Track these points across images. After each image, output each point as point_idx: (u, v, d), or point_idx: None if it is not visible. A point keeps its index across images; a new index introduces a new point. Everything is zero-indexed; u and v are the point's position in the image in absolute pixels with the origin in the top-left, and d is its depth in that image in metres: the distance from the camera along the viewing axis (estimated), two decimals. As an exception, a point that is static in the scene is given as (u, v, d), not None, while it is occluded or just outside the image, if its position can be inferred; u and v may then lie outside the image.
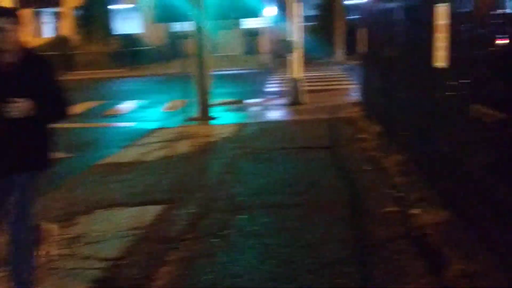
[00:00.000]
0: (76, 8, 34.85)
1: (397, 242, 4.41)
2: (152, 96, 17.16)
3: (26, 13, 34.11)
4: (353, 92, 14.09)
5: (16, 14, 3.44)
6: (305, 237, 4.66)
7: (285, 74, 14.21)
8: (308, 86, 14.32)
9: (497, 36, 4.15)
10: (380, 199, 5.48)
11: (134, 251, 4.62)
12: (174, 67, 19.17)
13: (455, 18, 4.63)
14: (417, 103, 6.02)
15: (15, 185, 3.45)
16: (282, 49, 16.29)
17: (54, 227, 4.33)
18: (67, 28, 35.70)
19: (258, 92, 16.77)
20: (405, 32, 6.68)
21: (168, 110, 14.03)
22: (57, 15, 37.20)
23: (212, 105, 11.96)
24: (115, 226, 5.24)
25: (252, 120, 11.63)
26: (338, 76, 20.71)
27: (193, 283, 3.98)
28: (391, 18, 7.62)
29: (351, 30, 28.32)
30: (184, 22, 11.28)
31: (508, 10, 6.18)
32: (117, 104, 15.83)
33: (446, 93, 4.87)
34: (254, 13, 36.51)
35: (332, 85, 17.47)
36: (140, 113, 14.03)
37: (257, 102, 14.62)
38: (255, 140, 9.20)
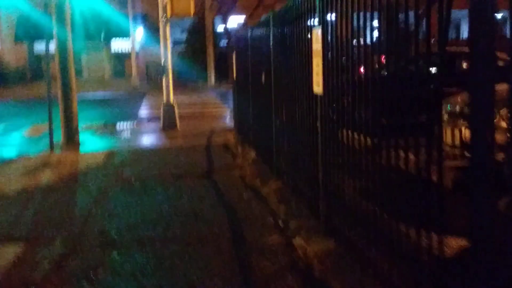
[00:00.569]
0: None
1: (283, 276, 4.21)
2: (13, 120, 15.78)
3: None
4: (226, 116, 14.03)
5: None
6: (186, 276, 4.28)
7: (157, 98, 13.78)
8: (182, 110, 14.00)
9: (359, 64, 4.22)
10: (262, 229, 5.26)
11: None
12: (37, 90, 17.93)
13: (327, 43, 4.63)
14: (291, 130, 6.00)
15: None
16: (153, 72, 15.91)
17: None
18: None
19: (129, 116, 16.10)
20: (276, 58, 6.67)
21: (30, 136, 12.90)
22: None
23: (79, 130, 11.16)
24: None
25: (124, 146, 11.01)
26: (211, 100, 20.67)
27: None
28: (261, 44, 7.65)
29: (221, 56, 28.68)
30: (48, 41, 10.43)
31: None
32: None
33: (319, 119, 4.86)
34: (123, 35, 35.77)
35: (206, 109, 17.34)
36: (-1, 139, 12.78)
37: (128, 127, 13.99)
38: (127, 167, 8.65)
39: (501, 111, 3.86)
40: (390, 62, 3.65)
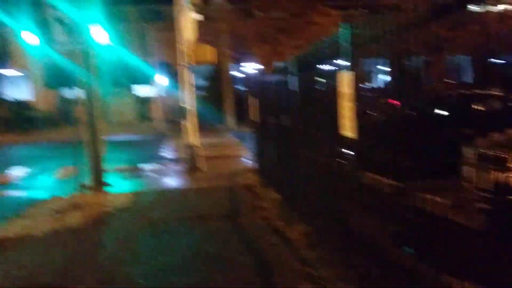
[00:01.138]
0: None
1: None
2: (43, 163, 15.67)
3: None
4: (247, 158, 13.78)
5: None
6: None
7: (180, 140, 13.61)
8: (204, 151, 13.79)
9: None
10: (293, 277, 4.85)
11: None
12: (66, 133, 17.92)
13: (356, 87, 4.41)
14: (315, 173, 5.71)
15: None
16: (175, 115, 15.84)
17: None
18: (-50, 93, 32.93)
19: (153, 158, 15.91)
20: (297, 102, 6.44)
21: (60, 178, 12.74)
22: None
23: (106, 171, 10.98)
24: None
25: (149, 188, 10.77)
26: (231, 142, 20.47)
27: None
28: (283, 89, 7.43)
29: (239, 100, 28.70)
30: (76, 88, 10.44)
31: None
32: (3, 171, 14.20)
33: (340, 161, 4.60)
34: (146, 80, 36.25)
35: (227, 150, 17.11)
36: (30, 181, 12.59)
37: (153, 169, 13.78)
38: (153, 210, 8.35)
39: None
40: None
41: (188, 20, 12.33)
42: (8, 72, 33.84)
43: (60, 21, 9.99)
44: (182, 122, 12.93)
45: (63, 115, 32.05)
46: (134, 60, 30.51)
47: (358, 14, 38.72)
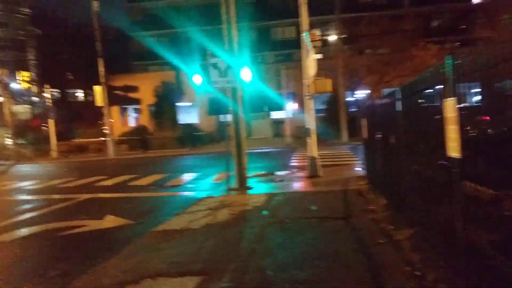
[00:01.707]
0: (151, 105, 35.68)
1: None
2: (204, 170, 16.38)
3: (116, 108, 34.90)
4: (358, 166, 12.99)
5: None
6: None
7: (305, 153, 13.29)
8: (322, 162, 13.31)
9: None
10: (399, 276, 4.22)
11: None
12: (221, 147, 18.58)
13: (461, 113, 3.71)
14: (419, 183, 4.98)
15: None
16: (301, 133, 15.62)
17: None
18: (145, 119, 36.43)
19: (283, 166, 15.80)
20: (404, 122, 5.74)
21: (215, 181, 13.13)
22: (138, 110, 38.23)
23: (248, 177, 11.07)
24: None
25: (280, 190, 10.54)
26: (345, 153, 19.65)
27: None
28: (389, 111, 6.74)
29: (352, 119, 27.76)
30: (228, 114, 10.86)
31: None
32: (177, 176, 15.07)
33: (443, 173, 3.88)
34: (279, 107, 36.97)
35: (341, 160, 16.41)
36: (194, 184, 13.13)
37: (283, 175, 13.61)
38: (281, 209, 8.06)
39: None
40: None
41: (311, 59, 12.04)
42: (182, 103, 36.75)
43: (216, 66, 10.34)
44: (306, 139, 12.63)
45: (219, 134, 33.72)
46: (270, 92, 31.37)
47: (454, 47, 35.40)
